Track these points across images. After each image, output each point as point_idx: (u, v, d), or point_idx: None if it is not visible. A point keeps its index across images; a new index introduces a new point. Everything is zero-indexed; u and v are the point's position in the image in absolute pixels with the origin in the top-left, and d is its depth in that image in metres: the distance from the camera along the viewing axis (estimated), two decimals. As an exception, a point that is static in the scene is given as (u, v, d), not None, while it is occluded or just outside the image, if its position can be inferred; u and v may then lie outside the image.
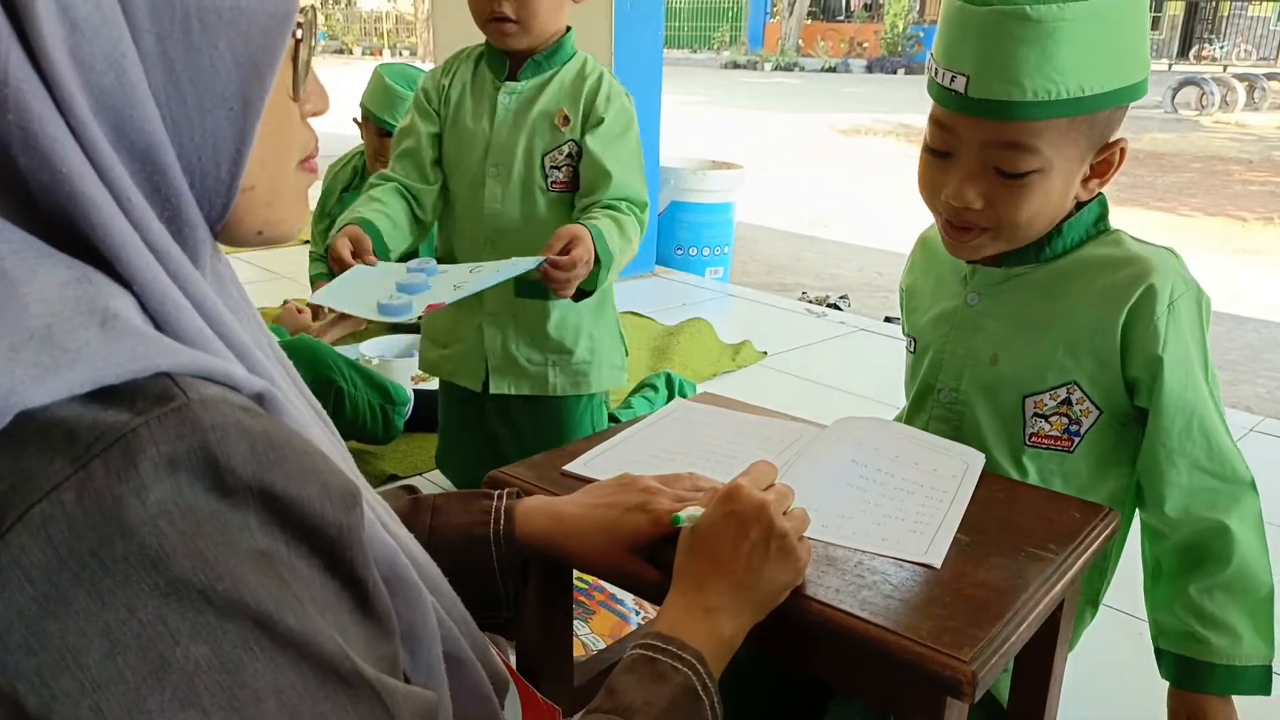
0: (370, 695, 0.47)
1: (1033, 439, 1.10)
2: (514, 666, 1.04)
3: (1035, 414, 1.09)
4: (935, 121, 1.01)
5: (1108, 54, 0.93)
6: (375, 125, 2.47)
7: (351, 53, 25.11)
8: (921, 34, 23.23)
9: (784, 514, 0.77)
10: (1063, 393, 1.07)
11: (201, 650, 0.41)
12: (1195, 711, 1.06)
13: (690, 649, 0.70)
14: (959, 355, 1.14)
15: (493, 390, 1.68)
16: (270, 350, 0.60)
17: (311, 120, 0.60)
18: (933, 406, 1.17)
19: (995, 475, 1.05)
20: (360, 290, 1.28)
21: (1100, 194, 1.09)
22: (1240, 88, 14.45)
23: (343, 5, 29.62)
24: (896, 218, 6.65)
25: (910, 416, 1.22)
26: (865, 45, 23.57)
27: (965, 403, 1.13)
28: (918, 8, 24.50)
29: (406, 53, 23.25)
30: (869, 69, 22.36)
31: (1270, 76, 16.27)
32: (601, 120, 1.58)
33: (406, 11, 25.39)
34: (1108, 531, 0.96)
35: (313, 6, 0.59)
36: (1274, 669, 1.04)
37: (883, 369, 2.78)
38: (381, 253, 1.43)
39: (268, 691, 0.42)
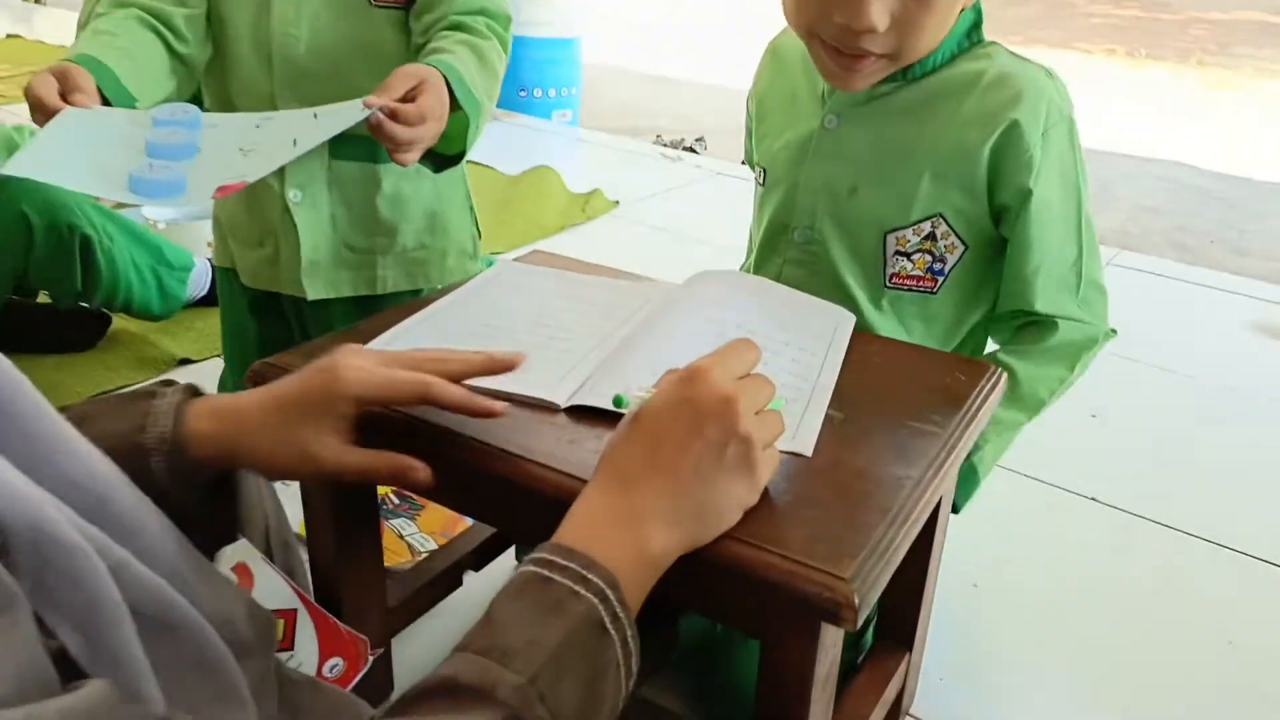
0: None
1: (894, 280, 0.98)
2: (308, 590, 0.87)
3: (897, 251, 0.97)
4: None
5: None
6: None
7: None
8: None
9: (755, 414, 0.60)
10: (926, 226, 0.95)
11: None
12: None
13: (600, 568, 0.53)
14: (814, 187, 0.99)
15: (310, 297, 1.25)
16: None
17: None
18: (786, 248, 1.02)
19: (866, 333, 0.91)
20: (83, 154, 0.87)
21: (976, 1, 0.93)
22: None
23: None
24: (755, 58, 6.36)
25: (760, 263, 1.06)
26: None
27: (821, 242, 0.99)
28: None
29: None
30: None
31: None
32: None
33: None
34: (996, 393, 0.83)
35: None
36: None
37: (743, 217, 2.60)
38: (124, 102, 1.00)
39: None
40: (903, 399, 0.78)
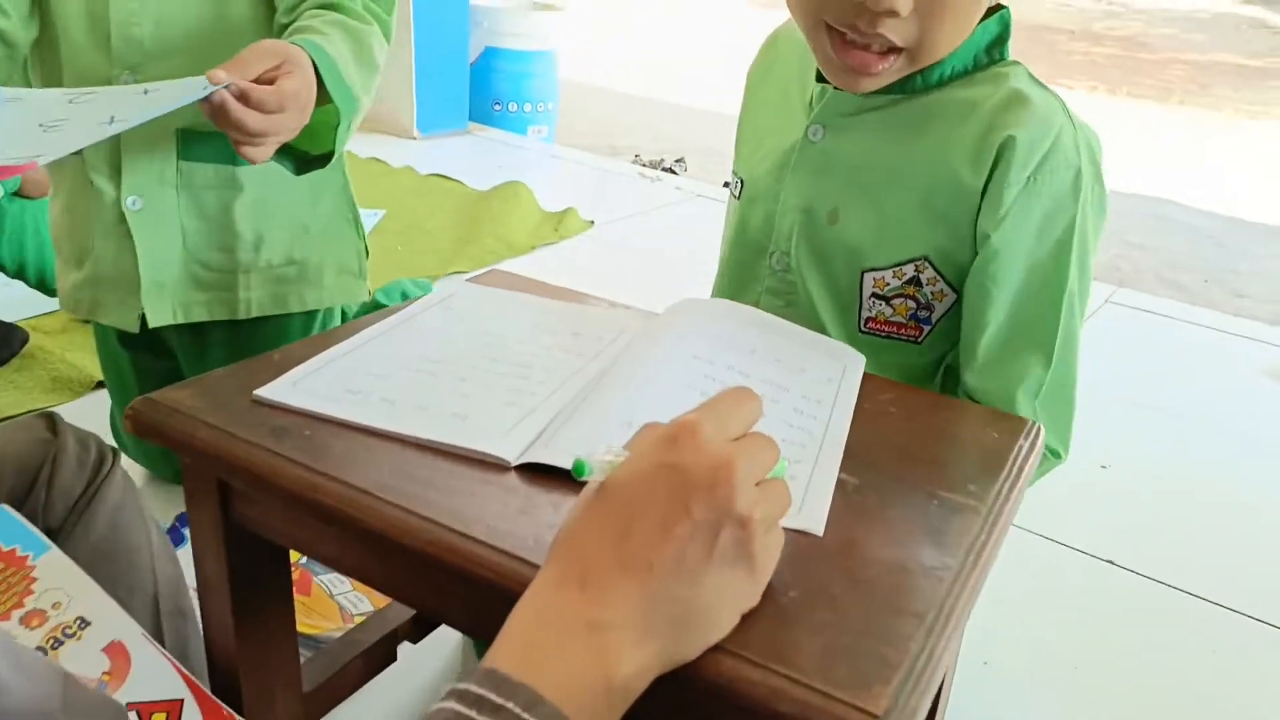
0: None
1: (869, 324, 0.84)
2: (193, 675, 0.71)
3: (874, 294, 0.83)
4: None
5: None
6: None
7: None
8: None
9: (756, 485, 0.45)
10: (909, 270, 0.81)
11: None
12: None
13: (546, 708, 0.38)
14: (792, 206, 0.85)
15: (151, 323, 1.08)
16: None
17: None
18: (764, 275, 0.88)
19: (879, 378, 0.77)
20: None
21: (1004, 6, 0.80)
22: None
23: None
24: (736, 80, 6.26)
25: (734, 289, 0.92)
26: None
27: (797, 272, 0.86)
28: None
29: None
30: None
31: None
32: None
33: None
34: (1035, 454, 0.69)
35: None
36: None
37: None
38: None
39: None
40: (928, 460, 0.64)
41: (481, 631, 0.56)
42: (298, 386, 0.66)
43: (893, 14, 0.69)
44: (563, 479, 0.57)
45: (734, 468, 0.43)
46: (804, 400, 0.68)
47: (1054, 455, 0.80)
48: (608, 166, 3.31)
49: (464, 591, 0.53)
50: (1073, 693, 1.09)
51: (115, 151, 1.03)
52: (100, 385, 1.54)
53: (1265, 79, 7.81)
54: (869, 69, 0.74)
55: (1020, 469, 0.65)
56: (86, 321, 1.55)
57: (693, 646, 0.44)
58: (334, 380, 0.67)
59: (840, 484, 0.60)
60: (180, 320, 1.11)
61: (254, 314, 1.13)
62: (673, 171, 3.48)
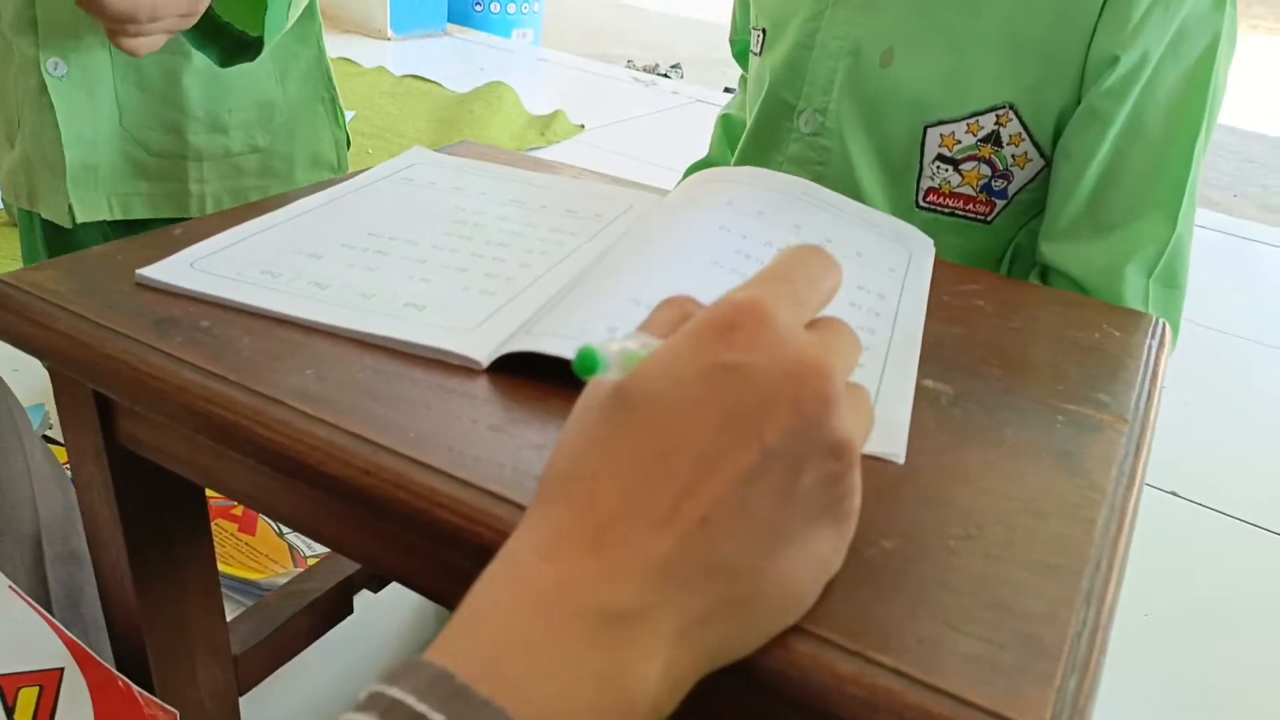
0: None
1: (929, 198, 0.68)
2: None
3: (940, 157, 0.67)
4: None
5: None
6: None
7: None
8: None
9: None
10: (988, 122, 0.65)
11: None
12: None
13: None
14: (833, 50, 0.69)
15: (79, 217, 0.91)
16: None
17: None
18: (787, 141, 0.72)
19: (957, 265, 0.60)
20: None
21: None
22: None
23: None
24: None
25: (749, 158, 0.76)
26: None
27: (835, 133, 0.69)
28: None
29: None
30: None
31: None
32: None
33: None
34: (1165, 357, 0.54)
35: None
36: None
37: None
38: None
39: None
40: (1039, 365, 0.49)
41: (444, 598, 0.41)
42: (197, 266, 0.50)
43: None
44: (556, 384, 0.41)
45: (828, 373, 0.27)
46: (861, 292, 0.52)
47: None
48: (599, 70, 3.08)
49: (415, 540, 0.37)
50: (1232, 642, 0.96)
51: (31, 2, 0.85)
52: None
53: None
54: None
55: (1155, 374, 0.50)
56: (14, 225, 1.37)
57: (756, 637, 0.29)
58: (248, 260, 0.50)
59: (929, 394, 0.44)
60: (117, 215, 0.93)
61: (209, 211, 0.95)
62: (668, 76, 3.26)
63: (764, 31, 0.75)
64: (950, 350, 0.48)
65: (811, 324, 0.31)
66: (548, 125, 2.35)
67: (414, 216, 0.58)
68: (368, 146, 2.01)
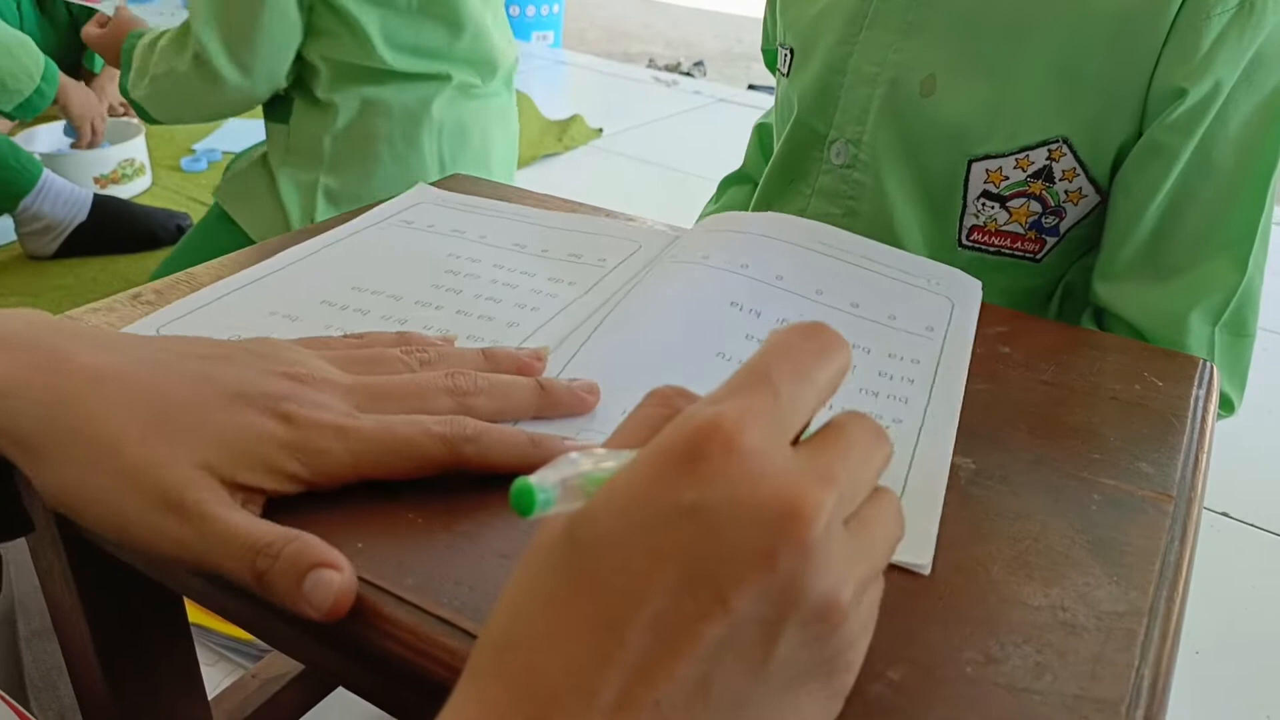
0: None
1: (973, 236, 0.62)
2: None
3: (986, 193, 0.61)
4: None
5: None
6: None
7: None
8: None
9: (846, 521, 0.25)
10: (1041, 156, 0.59)
11: None
12: None
13: None
14: (867, 76, 0.64)
15: None
16: None
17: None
18: (819, 173, 0.67)
19: (992, 305, 0.55)
20: None
21: None
22: None
23: None
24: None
25: (774, 191, 0.72)
26: None
27: (871, 166, 0.64)
28: None
29: None
30: None
31: None
32: None
33: None
34: (1214, 411, 0.48)
35: None
36: None
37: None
38: None
39: None
40: (1073, 426, 0.44)
41: (397, 713, 0.37)
42: (178, 325, 0.46)
43: None
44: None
45: (809, 515, 0.23)
46: (892, 361, 0.47)
47: (1225, 408, 0.59)
48: (619, 71, 3.03)
49: (356, 654, 0.33)
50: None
51: None
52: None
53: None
54: None
55: (1203, 434, 0.45)
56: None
57: None
58: (227, 317, 0.47)
59: (956, 470, 0.40)
60: None
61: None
62: (690, 75, 3.21)
63: (791, 51, 0.71)
64: (974, 412, 0.44)
65: (814, 435, 0.27)
66: (565, 130, 2.31)
67: (404, 265, 0.54)
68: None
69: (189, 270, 0.54)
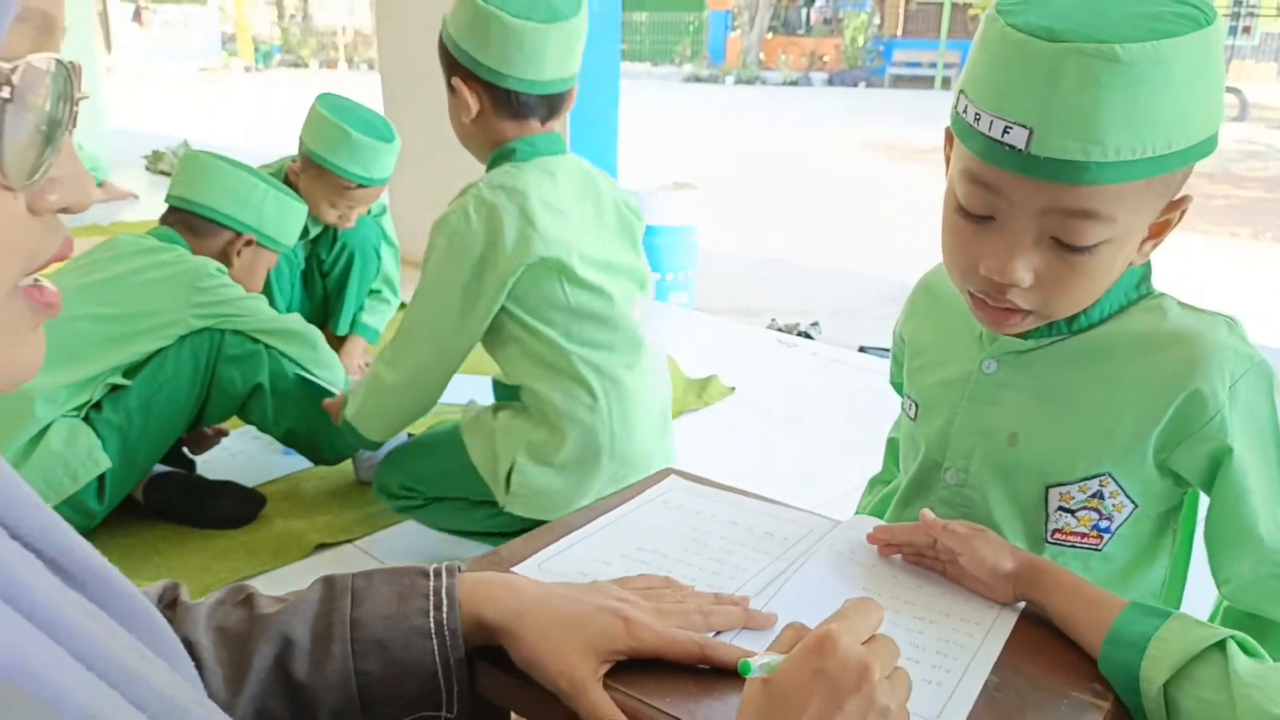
0: None
1: (1055, 535, 0.94)
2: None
3: (1060, 508, 0.93)
4: (973, 179, 0.81)
5: (1197, 100, 0.76)
6: (320, 167, 2.26)
7: (307, 66, 24.74)
8: (881, 48, 23.32)
9: (887, 677, 0.60)
10: (1094, 485, 0.91)
11: None
12: None
13: None
14: (970, 430, 0.97)
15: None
16: None
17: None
18: (940, 487, 1.01)
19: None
20: None
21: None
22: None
23: (299, 20, 29.19)
24: (865, 237, 6.58)
25: (909, 498, 1.06)
26: (826, 59, 23.59)
27: (976, 487, 0.97)
28: (877, 22, 24.62)
29: (365, 66, 22.92)
30: (830, 82, 22.41)
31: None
32: None
33: (364, 26, 25.05)
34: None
35: (70, 63, 0.41)
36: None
37: (859, 408, 2.66)
38: None
39: None
40: (1068, 664, 0.76)
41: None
42: (543, 568, 0.85)
43: (1016, 286, 0.83)
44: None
45: (871, 670, 0.58)
46: (955, 631, 0.80)
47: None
48: (746, 332, 3.52)
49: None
50: None
51: None
52: (319, 548, 1.80)
53: None
54: (1001, 324, 0.88)
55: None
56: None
57: None
58: (570, 563, 0.86)
59: (984, 685, 0.72)
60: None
61: None
62: (808, 336, 3.67)
63: (916, 405, 1.04)
64: (1007, 648, 0.76)
65: (870, 640, 0.61)
66: (704, 388, 2.74)
67: (665, 535, 0.92)
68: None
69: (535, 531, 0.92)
